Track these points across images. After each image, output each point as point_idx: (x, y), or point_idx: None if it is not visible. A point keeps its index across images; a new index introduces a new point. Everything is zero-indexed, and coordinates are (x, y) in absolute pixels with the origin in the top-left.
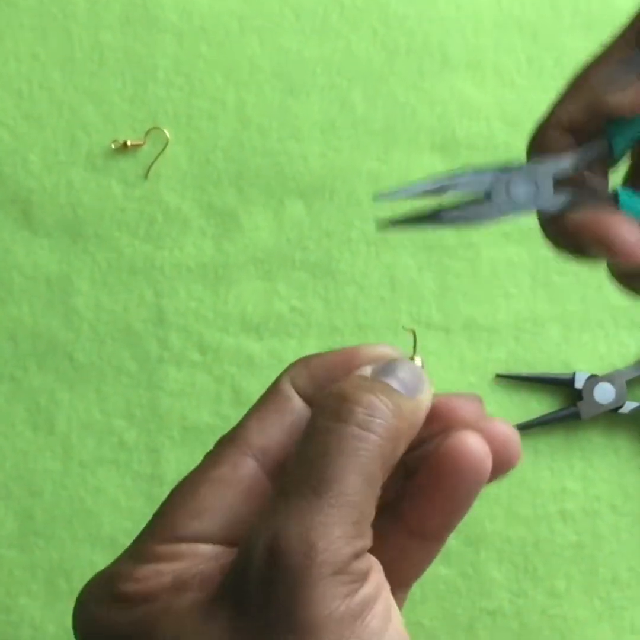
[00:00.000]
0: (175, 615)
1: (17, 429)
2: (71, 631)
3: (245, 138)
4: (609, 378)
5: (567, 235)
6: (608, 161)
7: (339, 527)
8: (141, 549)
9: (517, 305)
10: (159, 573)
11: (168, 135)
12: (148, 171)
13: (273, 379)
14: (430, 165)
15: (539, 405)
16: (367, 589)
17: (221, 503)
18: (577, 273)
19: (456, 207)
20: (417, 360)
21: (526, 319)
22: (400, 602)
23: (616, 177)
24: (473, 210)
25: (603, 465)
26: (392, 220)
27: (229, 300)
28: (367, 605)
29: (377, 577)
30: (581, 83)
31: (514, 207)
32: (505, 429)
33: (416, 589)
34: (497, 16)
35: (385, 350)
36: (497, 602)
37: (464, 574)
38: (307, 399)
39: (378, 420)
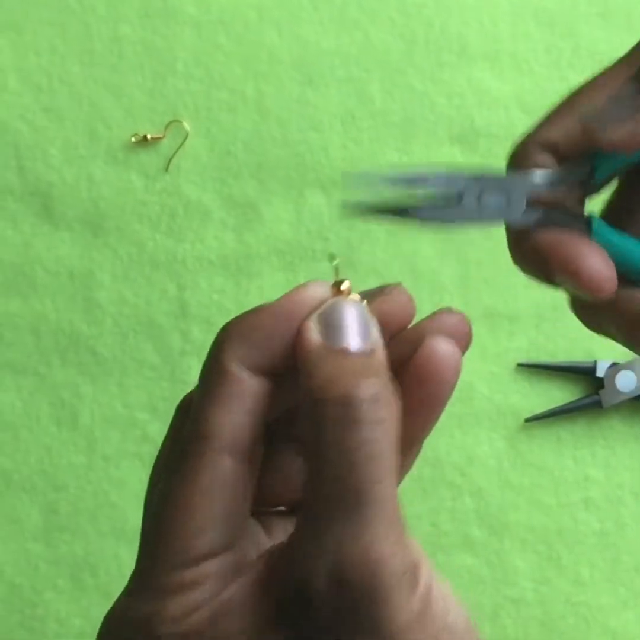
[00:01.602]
0: None
1: (41, 423)
2: (96, 625)
3: (265, 129)
4: (630, 366)
5: (533, 255)
6: (588, 186)
7: (391, 532)
8: (159, 580)
9: (538, 293)
10: (192, 608)
11: (188, 128)
12: (168, 164)
13: None
14: (449, 155)
15: (560, 394)
16: (423, 576)
17: (216, 512)
18: None
19: (425, 205)
20: (346, 284)
21: (547, 308)
22: None
23: (595, 204)
24: (442, 211)
25: (625, 453)
26: (359, 207)
27: (251, 291)
28: (429, 592)
29: (423, 557)
30: (568, 107)
31: (483, 215)
32: (455, 319)
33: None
34: (514, 5)
35: (316, 292)
36: (521, 591)
37: (488, 563)
38: (257, 370)
39: (385, 410)
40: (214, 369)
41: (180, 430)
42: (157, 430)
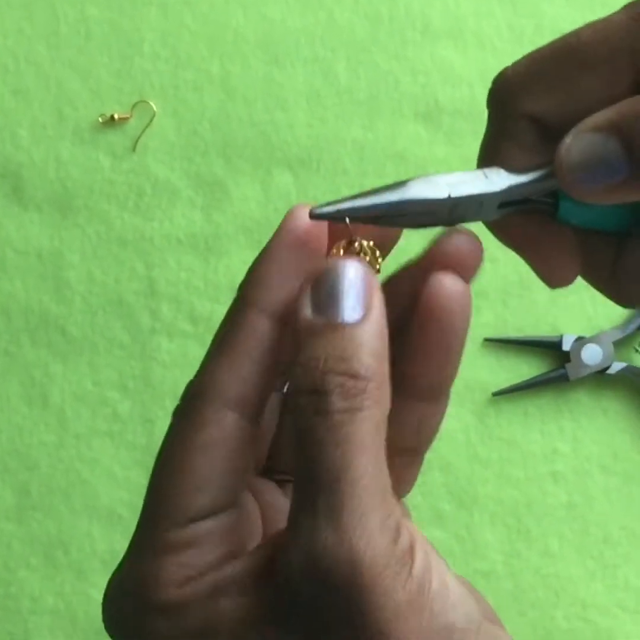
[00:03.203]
0: (222, 624)
1: (12, 403)
2: (69, 603)
3: (232, 109)
4: (596, 339)
5: (503, 235)
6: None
7: (370, 516)
8: (156, 539)
9: (504, 269)
10: (189, 569)
11: (154, 107)
12: (136, 144)
13: None
14: (414, 132)
15: (527, 368)
16: (418, 564)
17: (216, 470)
18: None
19: (395, 215)
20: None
21: (513, 283)
22: (416, 469)
23: None
24: (412, 219)
25: (592, 426)
26: (328, 214)
27: (219, 269)
28: (424, 578)
29: (420, 542)
30: (569, 76)
31: (454, 221)
32: (462, 240)
33: None
34: None
35: (303, 224)
36: (491, 564)
37: (458, 537)
38: (271, 315)
39: (358, 399)
40: (231, 319)
41: (187, 389)
42: (128, 408)
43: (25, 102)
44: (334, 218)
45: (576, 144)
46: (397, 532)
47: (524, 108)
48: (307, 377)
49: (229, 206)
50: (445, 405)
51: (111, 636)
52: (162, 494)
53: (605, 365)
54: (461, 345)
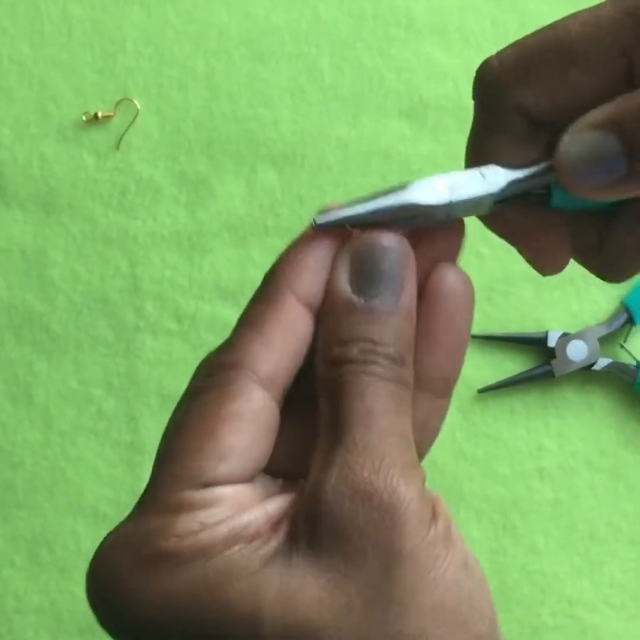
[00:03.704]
0: (243, 568)
1: None
2: (54, 601)
3: (215, 106)
4: (581, 335)
5: (495, 226)
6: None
7: (405, 456)
8: (168, 498)
9: (490, 265)
10: (202, 524)
11: (138, 105)
12: (119, 142)
13: None
14: (398, 129)
15: (513, 365)
16: (443, 511)
17: (242, 442)
18: None
19: (392, 222)
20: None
21: (498, 279)
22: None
23: None
24: (411, 221)
25: (578, 422)
26: (330, 223)
27: (204, 267)
28: (449, 525)
29: (440, 499)
30: (559, 69)
31: (450, 219)
32: (448, 238)
33: None
34: None
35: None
36: None
37: None
38: (305, 303)
39: (393, 385)
40: (269, 298)
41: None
42: (112, 406)
43: (8, 100)
44: (338, 226)
45: (575, 142)
46: (424, 482)
47: (513, 100)
48: (346, 353)
49: (213, 203)
50: (448, 405)
51: (98, 610)
52: (182, 456)
53: (590, 362)
54: (468, 332)
